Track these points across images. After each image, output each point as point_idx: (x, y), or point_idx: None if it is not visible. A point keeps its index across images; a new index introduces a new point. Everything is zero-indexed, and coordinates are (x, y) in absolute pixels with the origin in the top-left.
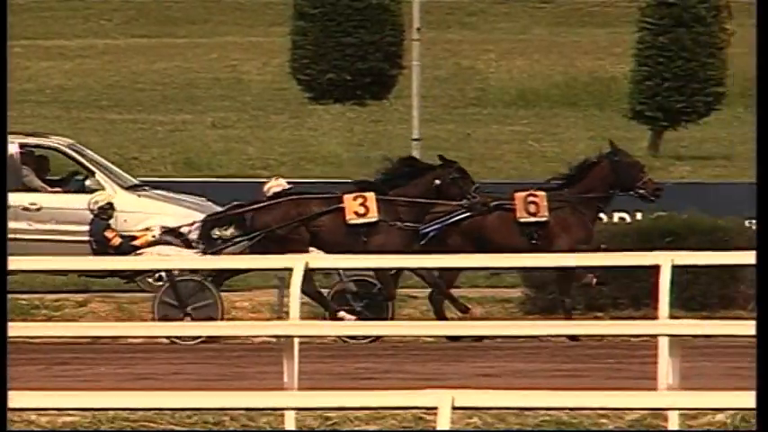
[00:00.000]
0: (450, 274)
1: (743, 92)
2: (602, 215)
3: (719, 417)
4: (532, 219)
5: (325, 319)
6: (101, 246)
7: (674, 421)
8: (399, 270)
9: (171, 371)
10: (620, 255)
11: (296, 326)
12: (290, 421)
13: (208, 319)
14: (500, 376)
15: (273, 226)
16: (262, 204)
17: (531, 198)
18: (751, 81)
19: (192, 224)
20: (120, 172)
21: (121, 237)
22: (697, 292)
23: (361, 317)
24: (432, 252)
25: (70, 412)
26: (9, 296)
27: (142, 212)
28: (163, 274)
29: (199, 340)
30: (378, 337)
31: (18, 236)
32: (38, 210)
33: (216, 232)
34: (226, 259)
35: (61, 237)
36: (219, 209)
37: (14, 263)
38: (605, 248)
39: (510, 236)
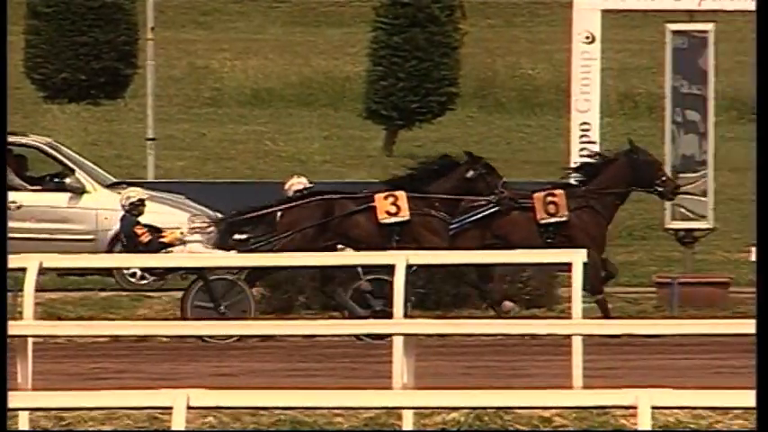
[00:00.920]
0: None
1: (476, 92)
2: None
3: (453, 415)
4: (552, 219)
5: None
6: (130, 242)
7: (408, 420)
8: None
9: None
10: (356, 254)
11: (31, 326)
12: (23, 422)
13: (239, 318)
14: (236, 376)
15: (303, 225)
16: (291, 204)
17: (550, 198)
18: (485, 81)
19: (212, 222)
20: (99, 170)
21: (150, 234)
22: (431, 291)
23: (379, 316)
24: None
25: None
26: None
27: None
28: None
29: (233, 339)
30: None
31: None
32: (18, 208)
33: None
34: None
35: (42, 235)
36: (202, 208)
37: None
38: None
39: (530, 236)
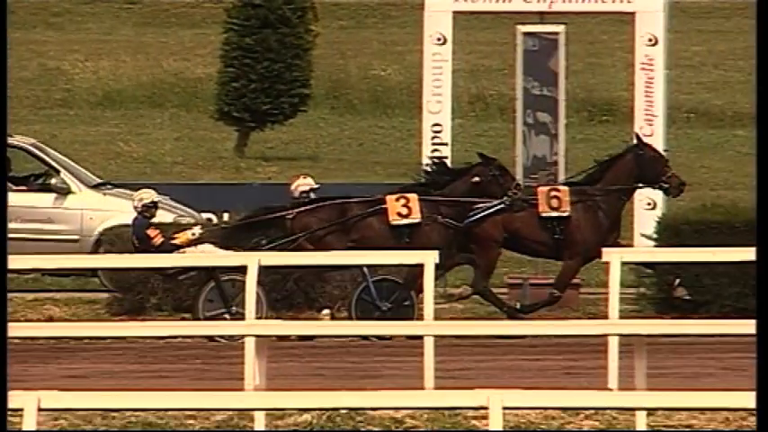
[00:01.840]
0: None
1: (328, 93)
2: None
3: (306, 417)
4: (554, 213)
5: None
6: (142, 243)
7: (260, 421)
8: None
9: None
10: (208, 256)
11: None
12: None
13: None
14: (88, 377)
15: (314, 227)
16: (304, 207)
17: (553, 193)
18: (336, 82)
19: (225, 224)
20: (84, 171)
21: (163, 236)
22: (284, 293)
23: (386, 316)
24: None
25: None
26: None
27: (108, 211)
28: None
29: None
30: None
31: None
32: None
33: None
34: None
35: (27, 235)
36: (185, 208)
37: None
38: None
39: (535, 230)
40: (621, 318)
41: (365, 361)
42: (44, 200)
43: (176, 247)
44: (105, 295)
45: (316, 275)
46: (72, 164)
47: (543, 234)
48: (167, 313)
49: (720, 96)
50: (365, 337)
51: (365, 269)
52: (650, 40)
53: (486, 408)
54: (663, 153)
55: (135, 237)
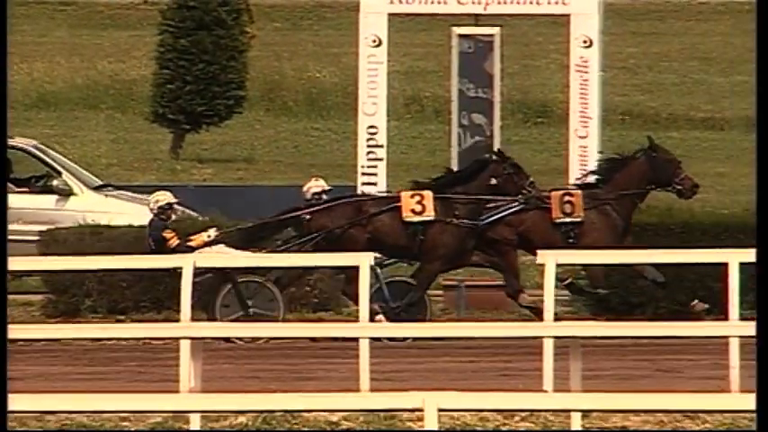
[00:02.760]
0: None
1: (264, 95)
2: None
3: (241, 419)
4: (568, 219)
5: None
6: (158, 245)
7: (195, 423)
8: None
9: None
10: (142, 258)
11: None
12: None
13: (271, 319)
14: (22, 380)
15: (331, 227)
16: (319, 206)
17: (566, 198)
18: (272, 84)
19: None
20: (85, 172)
21: (179, 238)
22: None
23: (398, 318)
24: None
25: None
26: None
27: (110, 212)
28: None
29: (263, 340)
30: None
31: None
32: None
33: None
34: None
35: (29, 237)
36: (184, 208)
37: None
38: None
39: (548, 234)
40: (556, 320)
41: (301, 363)
42: (46, 201)
43: (192, 249)
44: (40, 297)
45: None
46: (73, 165)
47: (556, 237)
48: (102, 315)
49: (655, 98)
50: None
51: (378, 271)
52: (585, 41)
53: (421, 410)
54: (675, 156)
55: (151, 239)
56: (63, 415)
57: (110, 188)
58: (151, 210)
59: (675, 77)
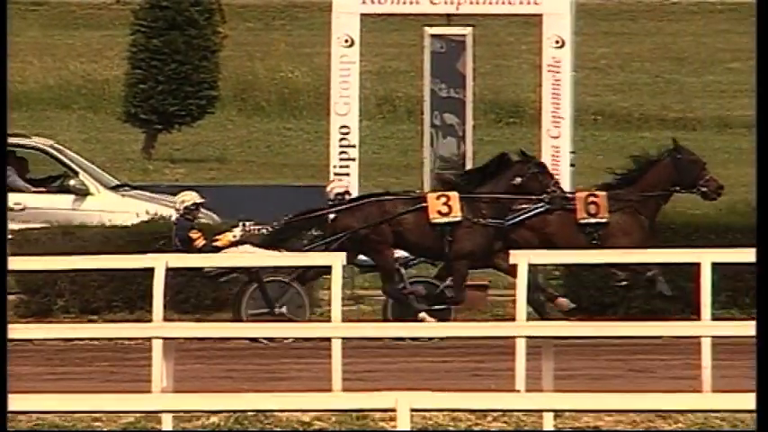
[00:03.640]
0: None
1: (236, 95)
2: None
3: (213, 419)
4: (592, 219)
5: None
6: (184, 245)
7: (168, 423)
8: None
9: None
10: (114, 258)
11: None
12: None
13: (295, 320)
14: None
15: (356, 227)
16: (344, 206)
17: (591, 198)
18: (244, 84)
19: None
20: (102, 172)
21: (204, 238)
22: (191, 295)
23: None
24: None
25: None
26: None
27: (127, 212)
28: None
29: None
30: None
31: None
32: (22, 210)
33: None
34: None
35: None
36: (206, 211)
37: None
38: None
39: (572, 236)
40: (529, 320)
41: (273, 363)
42: (63, 201)
43: (218, 250)
44: (12, 297)
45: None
46: (90, 165)
47: (580, 239)
48: (74, 315)
49: (627, 98)
50: (415, 339)
51: (403, 271)
52: (557, 42)
53: (393, 409)
54: (699, 157)
55: (177, 239)
56: (35, 415)
57: (126, 188)
58: (177, 210)
59: (647, 77)
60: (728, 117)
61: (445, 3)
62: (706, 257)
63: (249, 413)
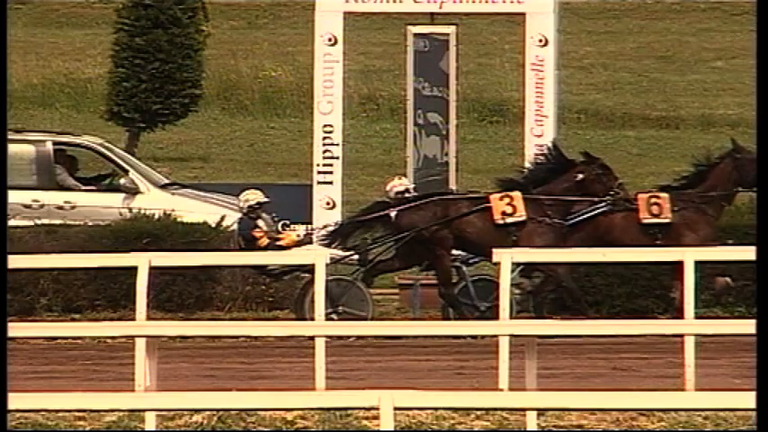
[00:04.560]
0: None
1: (219, 93)
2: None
3: (196, 418)
4: (655, 220)
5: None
6: (248, 244)
7: (151, 422)
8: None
9: None
10: (97, 256)
11: None
12: None
13: (358, 318)
14: None
15: (420, 226)
16: (408, 205)
17: (654, 199)
18: (228, 83)
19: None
20: (151, 171)
21: (269, 237)
22: (174, 293)
23: (485, 317)
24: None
25: None
26: None
27: (177, 211)
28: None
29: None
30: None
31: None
32: (72, 208)
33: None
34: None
35: None
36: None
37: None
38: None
39: (635, 236)
40: (512, 318)
41: (256, 362)
42: (113, 200)
43: (280, 249)
44: None
45: (206, 275)
46: (140, 164)
47: (643, 240)
48: (57, 314)
49: (610, 97)
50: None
51: (464, 268)
52: (540, 40)
53: (377, 408)
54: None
55: (241, 237)
56: (18, 414)
57: (176, 186)
58: (240, 209)
59: (631, 76)
60: (712, 116)
61: (428, 1)
62: (689, 256)
63: (232, 412)
